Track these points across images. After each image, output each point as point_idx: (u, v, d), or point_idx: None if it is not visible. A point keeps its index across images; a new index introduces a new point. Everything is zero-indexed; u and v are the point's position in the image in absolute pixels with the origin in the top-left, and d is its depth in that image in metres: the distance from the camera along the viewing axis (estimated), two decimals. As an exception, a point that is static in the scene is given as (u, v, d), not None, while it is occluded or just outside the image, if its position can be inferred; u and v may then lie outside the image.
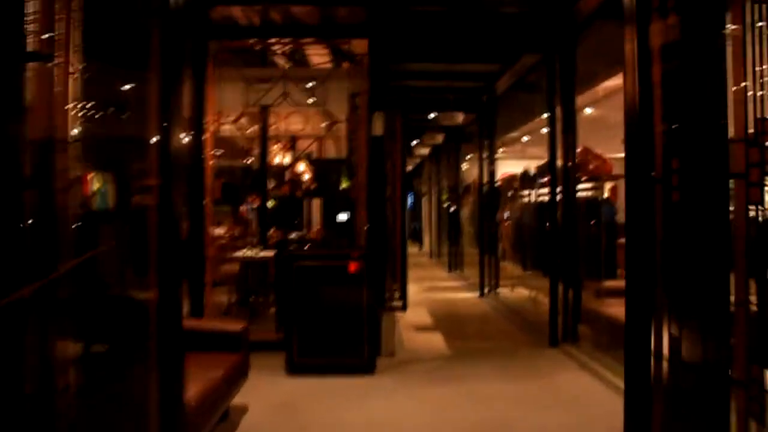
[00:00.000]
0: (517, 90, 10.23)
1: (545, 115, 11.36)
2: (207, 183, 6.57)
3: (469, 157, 16.83)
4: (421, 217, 24.91)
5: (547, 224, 8.13)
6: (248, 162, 17.16)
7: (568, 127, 6.69)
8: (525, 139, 13.53)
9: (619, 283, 7.78)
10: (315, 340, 5.69)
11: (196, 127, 6.52)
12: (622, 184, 10.01)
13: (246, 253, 9.28)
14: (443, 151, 17.66)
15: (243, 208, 15.86)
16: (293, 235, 9.37)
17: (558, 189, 6.82)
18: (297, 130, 6.65)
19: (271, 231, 17.63)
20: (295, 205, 20.46)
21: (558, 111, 6.80)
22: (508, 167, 14.12)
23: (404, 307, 9.14)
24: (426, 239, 22.87)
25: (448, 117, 8.59)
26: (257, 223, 19.67)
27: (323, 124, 6.64)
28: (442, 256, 18.42)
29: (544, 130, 12.53)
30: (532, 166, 11.21)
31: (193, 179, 6.55)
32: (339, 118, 6.65)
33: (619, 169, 7.49)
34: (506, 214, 10.38)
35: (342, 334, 5.72)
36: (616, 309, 6.23)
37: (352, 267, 5.62)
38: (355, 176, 6.89)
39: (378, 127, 6.47)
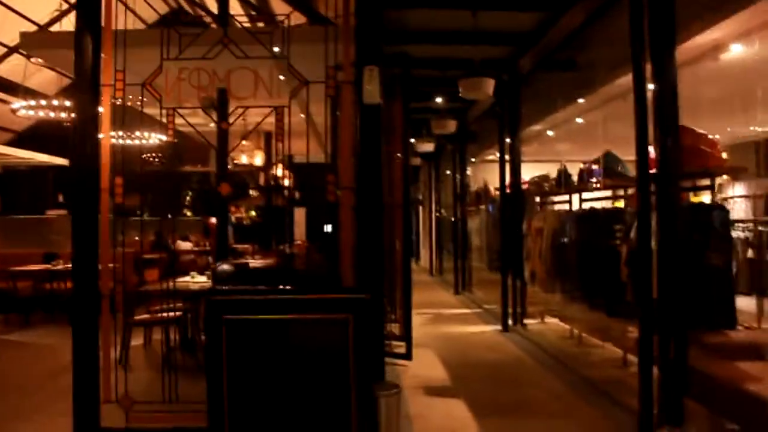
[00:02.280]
0: (544, 68, 7.92)
1: (580, 100, 9.14)
2: (103, 178, 4.17)
3: (473, 160, 14.58)
4: (416, 228, 22.49)
5: (619, 241, 5.77)
6: (230, 167, 14.85)
7: (664, 94, 4.31)
8: (550, 134, 11.27)
9: (748, 336, 5.45)
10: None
11: (83, 89, 4.12)
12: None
13: (192, 280, 6.88)
14: (443, 153, 15.36)
15: (213, 220, 13.70)
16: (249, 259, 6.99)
17: (648, 189, 4.43)
18: (245, 97, 4.19)
19: (246, 246, 15.30)
20: (276, 215, 18.10)
21: (647, 68, 4.40)
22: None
23: (408, 354, 6.72)
24: (423, 253, 20.46)
25: (472, 86, 6.21)
26: (233, 237, 17.31)
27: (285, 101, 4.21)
28: (445, 273, 16.06)
29: (579, 120, 10.29)
30: (554, 168, 8.91)
31: (78, 173, 4.16)
32: (309, 78, 4.23)
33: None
34: (537, 226, 8.01)
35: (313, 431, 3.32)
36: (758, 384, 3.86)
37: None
38: (337, 172, 4.51)
39: (372, 91, 4.10)
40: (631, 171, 6.61)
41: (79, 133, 4.15)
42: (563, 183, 7.54)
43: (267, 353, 3.17)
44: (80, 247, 4.09)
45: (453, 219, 14.10)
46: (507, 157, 8.77)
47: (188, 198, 21.44)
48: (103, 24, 4.26)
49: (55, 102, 11.67)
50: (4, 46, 14.26)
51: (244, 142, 11.91)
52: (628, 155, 7.12)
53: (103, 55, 4.28)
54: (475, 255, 12.97)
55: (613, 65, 6.83)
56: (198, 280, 6.77)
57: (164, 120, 4.31)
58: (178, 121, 4.81)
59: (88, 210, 4.11)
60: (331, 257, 4.86)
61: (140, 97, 4.24)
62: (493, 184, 12.02)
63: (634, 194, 6.95)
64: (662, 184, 4.32)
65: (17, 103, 11.82)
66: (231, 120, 4.65)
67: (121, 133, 11.87)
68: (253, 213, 21.34)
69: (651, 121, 4.45)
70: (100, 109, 4.22)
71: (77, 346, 4.06)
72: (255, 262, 9.76)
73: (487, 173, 13.49)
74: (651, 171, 4.43)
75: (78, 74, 4.18)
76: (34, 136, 17.56)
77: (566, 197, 7.86)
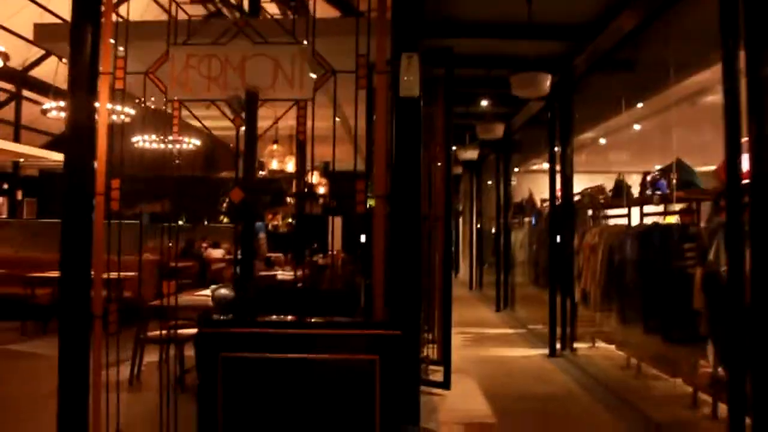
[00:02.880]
0: (602, 68, 7.18)
1: (639, 104, 8.36)
2: (99, 180, 3.62)
3: (516, 170, 13.85)
4: (456, 239, 21.74)
5: (690, 262, 5.04)
6: (263, 173, 14.41)
7: (763, 89, 3.59)
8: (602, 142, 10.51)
9: None
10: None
11: (79, 81, 3.59)
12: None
13: (212, 293, 6.31)
14: (485, 162, 14.66)
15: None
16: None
17: (739, 202, 3.71)
18: (262, 88, 3.60)
19: (279, 255, 14.78)
20: (310, 224, 17.56)
21: (740, 60, 3.69)
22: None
23: (446, 382, 6.04)
24: (463, 266, 19.72)
25: (526, 82, 5.57)
26: (267, 245, 16.82)
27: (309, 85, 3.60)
28: (485, 287, 15.32)
29: (636, 127, 9.51)
30: (604, 180, 8.19)
31: (72, 174, 3.62)
32: (337, 67, 3.62)
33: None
34: (591, 242, 7.29)
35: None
36: None
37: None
38: (371, 177, 3.90)
39: (410, 83, 3.47)
40: (704, 182, 5.88)
41: (73, 129, 3.62)
42: (624, 195, 6.78)
43: (273, 400, 2.56)
44: (69, 259, 3.55)
45: (495, 231, 13.38)
46: (557, 166, 8.05)
47: (224, 204, 21.15)
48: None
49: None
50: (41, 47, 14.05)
51: (274, 147, 11.47)
52: (696, 166, 6.38)
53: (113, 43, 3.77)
54: (518, 269, 12.23)
55: (681, 64, 6.12)
56: (224, 291, 6.20)
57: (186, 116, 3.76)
58: (210, 124, 4.32)
59: (81, 217, 3.57)
60: (366, 271, 4.24)
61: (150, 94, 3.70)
62: (539, 195, 11.31)
63: (689, 209, 6.22)
64: (758, 196, 3.59)
65: (48, 104, 11.55)
66: (245, 116, 4.06)
67: (146, 137, 11.48)
68: (291, 220, 20.90)
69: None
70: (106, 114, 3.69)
71: (63, 374, 3.51)
72: (284, 274, 9.24)
73: (532, 184, 12.76)
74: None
75: (74, 64, 3.66)
76: (70, 139, 17.38)
77: (623, 211, 7.10)
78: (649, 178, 6.24)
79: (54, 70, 14.29)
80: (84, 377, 3.54)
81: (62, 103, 11.36)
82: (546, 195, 10.23)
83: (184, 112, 3.77)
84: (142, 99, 3.82)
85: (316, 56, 3.63)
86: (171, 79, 3.62)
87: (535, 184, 12.46)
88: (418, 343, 3.68)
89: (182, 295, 6.26)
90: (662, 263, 5.61)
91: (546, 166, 9.68)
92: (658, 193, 6.04)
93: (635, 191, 7.06)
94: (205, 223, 17.91)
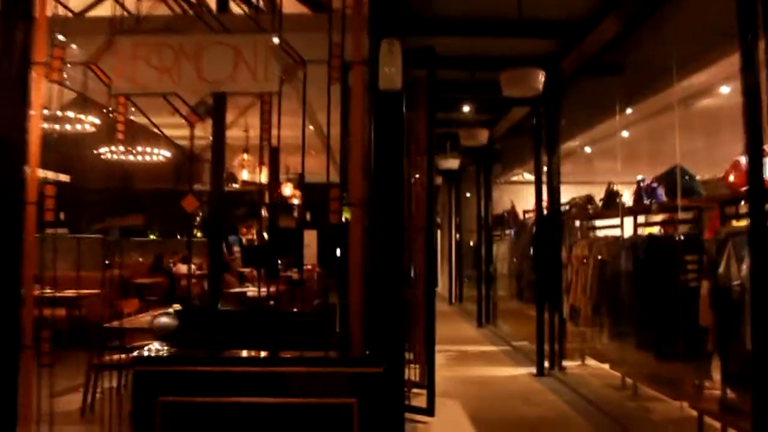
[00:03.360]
0: (592, 70, 6.82)
1: (629, 110, 8.01)
2: (30, 182, 3.13)
3: (496, 181, 13.48)
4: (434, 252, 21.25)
5: (691, 275, 4.65)
6: (236, 186, 13.85)
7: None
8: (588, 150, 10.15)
9: None
10: None
11: (8, 70, 3.11)
12: None
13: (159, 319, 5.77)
14: (464, 173, 14.28)
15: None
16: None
17: (762, 208, 3.31)
18: (221, 80, 3.13)
19: (253, 270, 14.19)
20: (284, 238, 16.98)
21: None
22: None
23: (429, 408, 5.57)
24: (441, 280, 19.27)
25: (517, 79, 5.16)
26: (242, 259, 16.23)
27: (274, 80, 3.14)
28: (465, 302, 14.90)
29: (625, 133, 9.16)
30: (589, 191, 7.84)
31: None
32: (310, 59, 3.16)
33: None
34: (581, 254, 6.90)
35: None
36: None
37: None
38: (347, 188, 3.44)
39: (391, 75, 3.03)
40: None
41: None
42: (619, 205, 6.38)
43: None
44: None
45: (476, 243, 12.98)
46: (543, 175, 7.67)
47: (198, 219, 20.48)
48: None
49: (59, 113, 10.77)
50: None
51: (245, 156, 10.96)
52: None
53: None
54: (500, 283, 11.81)
55: (667, 68, 5.77)
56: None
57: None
58: (176, 133, 3.81)
59: (8, 229, 3.07)
60: (341, 289, 3.75)
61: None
62: (521, 207, 10.93)
63: (669, 220, 5.86)
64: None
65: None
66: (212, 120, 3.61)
67: (113, 148, 10.91)
68: (266, 235, 20.27)
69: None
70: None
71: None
72: (254, 291, 8.73)
73: (514, 195, 12.38)
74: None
75: (4, 53, 3.18)
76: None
77: (614, 221, 6.70)
78: (643, 185, 5.86)
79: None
80: (11, 413, 3.02)
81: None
82: (528, 206, 9.84)
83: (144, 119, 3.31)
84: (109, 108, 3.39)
85: (284, 46, 3.18)
86: (115, 72, 3.14)
87: (517, 195, 12.09)
88: (403, 381, 3.20)
89: (144, 315, 5.76)
90: (661, 276, 5.22)
91: (528, 176, 9.26)
92: (655, 201, 5.66)
93: (623, 200, 6.69)
94: (178, 237, 17.33)
